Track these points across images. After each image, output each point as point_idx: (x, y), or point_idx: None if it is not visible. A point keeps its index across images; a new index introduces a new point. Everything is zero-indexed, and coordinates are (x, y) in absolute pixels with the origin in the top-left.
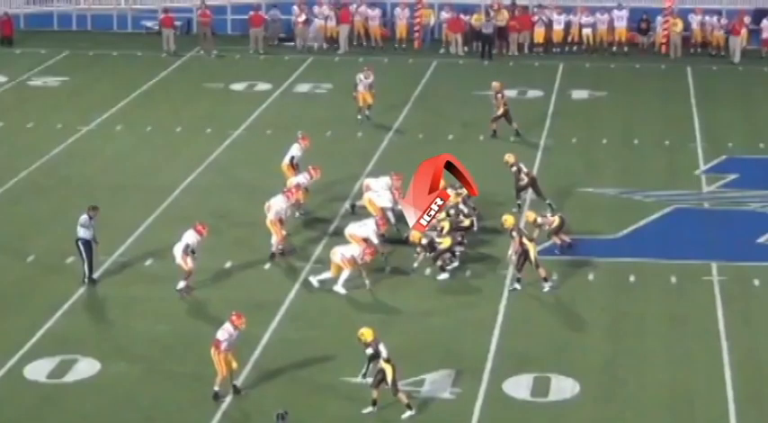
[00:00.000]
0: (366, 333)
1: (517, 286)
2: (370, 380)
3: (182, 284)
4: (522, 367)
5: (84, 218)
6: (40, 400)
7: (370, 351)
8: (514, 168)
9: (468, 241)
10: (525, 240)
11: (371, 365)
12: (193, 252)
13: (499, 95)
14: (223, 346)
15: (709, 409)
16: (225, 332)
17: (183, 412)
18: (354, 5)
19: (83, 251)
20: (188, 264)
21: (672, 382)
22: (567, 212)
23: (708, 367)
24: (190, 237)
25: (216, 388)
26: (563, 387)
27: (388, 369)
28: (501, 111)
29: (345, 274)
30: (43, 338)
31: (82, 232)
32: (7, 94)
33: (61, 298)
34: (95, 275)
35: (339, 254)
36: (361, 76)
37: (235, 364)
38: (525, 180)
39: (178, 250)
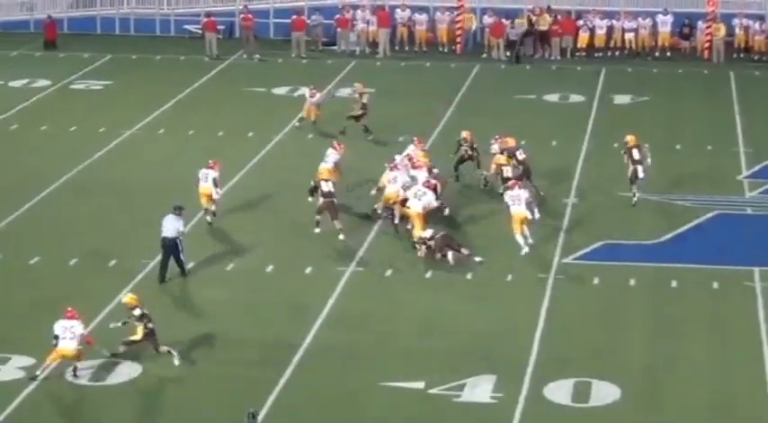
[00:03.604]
0: (129, 298)
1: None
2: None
3: (210, 216)
4: (562, 372)
5: (169, 217)
6: (82, 402)
7: (138, 312)
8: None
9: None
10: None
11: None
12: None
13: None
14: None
15: (750, 415)
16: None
17: (224, 415)
18: (399, 10)
19: (180, 248)
20: (217, 194)
21: (713, 389)
22: (608, 217)
23: (749, 373)
24: (211, 174)
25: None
26: (604, 392)
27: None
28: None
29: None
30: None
31: (166, 231)
32: (51, 98)
33: (104, 301)
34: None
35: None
36: (306, 92)
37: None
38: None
39: (211, 189)
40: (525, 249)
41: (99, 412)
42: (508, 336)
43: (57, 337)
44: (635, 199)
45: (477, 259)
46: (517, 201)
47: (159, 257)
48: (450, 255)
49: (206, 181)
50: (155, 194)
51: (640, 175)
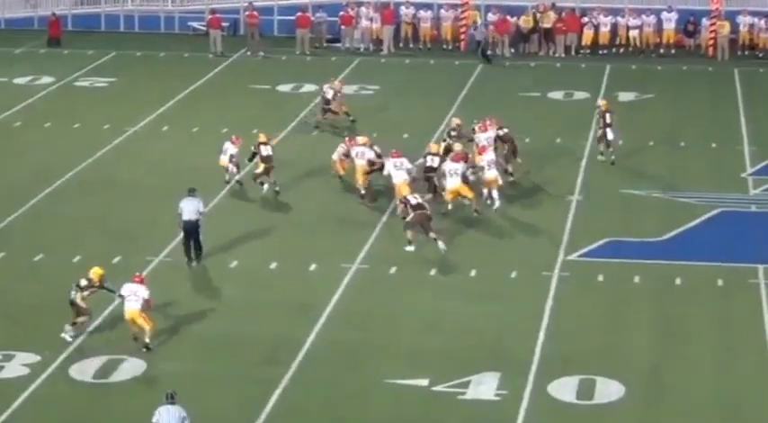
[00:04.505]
0: (96, 271)
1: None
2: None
3: (230, 183)
4: (567, 369)
5: (186, 200)
6: (86, 399)
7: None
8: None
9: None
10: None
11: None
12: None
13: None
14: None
15: (755, 412)
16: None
17: (228, 413)
18: (403, 7)
19: (200, 230)
20: (232, 169)
21: (718, 386)
22: (612, 214)
23: (754, 370)
24: (230, 149)
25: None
26: (608, 390)
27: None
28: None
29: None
30: (90, 338)
31: (187, 214)
32: (54, 95)
33: (108, 298)
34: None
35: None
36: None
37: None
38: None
39: (226, 163)
40: (497, 203)
41: (103, 409)
42: (512, 333)
43: (122, 297)
44: (612, 158)
45: (442, 246)
46: (492, 165)
47: (182, 239)
48: (440, 243)
49: (225, 154)
50: (158, 191)
51: (609, 136)
